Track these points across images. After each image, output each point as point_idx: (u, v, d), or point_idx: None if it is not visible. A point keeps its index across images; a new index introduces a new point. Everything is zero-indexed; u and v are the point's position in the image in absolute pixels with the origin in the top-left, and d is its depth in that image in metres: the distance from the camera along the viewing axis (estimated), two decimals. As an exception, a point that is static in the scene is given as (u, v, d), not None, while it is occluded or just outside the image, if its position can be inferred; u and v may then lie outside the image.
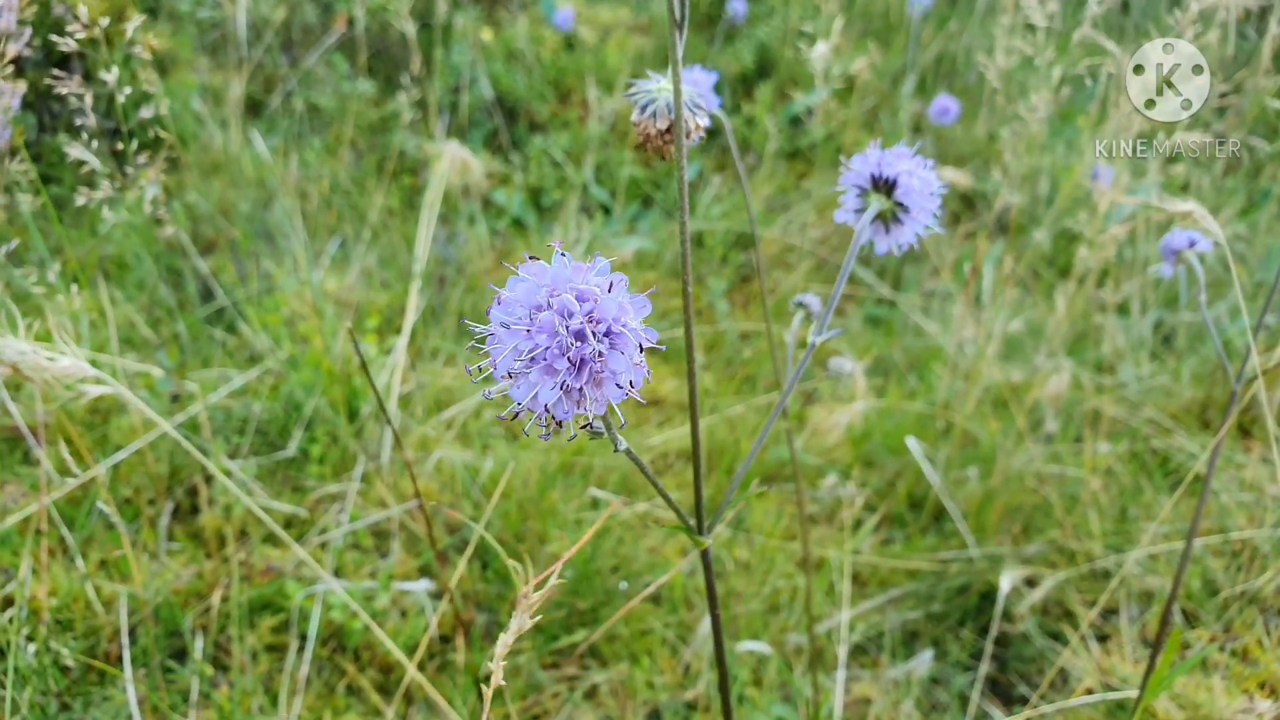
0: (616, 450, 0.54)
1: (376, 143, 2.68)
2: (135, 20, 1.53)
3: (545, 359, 0.46)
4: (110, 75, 1.56)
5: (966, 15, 2.80)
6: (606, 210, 2.53)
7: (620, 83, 2.70)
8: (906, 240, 0.67)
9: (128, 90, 1.92)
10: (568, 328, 0.45)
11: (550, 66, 2.88)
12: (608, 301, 0.46)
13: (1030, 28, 2.28)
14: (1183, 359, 2.30)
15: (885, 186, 0.65)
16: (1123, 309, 2.41)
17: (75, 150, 1.82)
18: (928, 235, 0.67)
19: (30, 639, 1.26)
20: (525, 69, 2.87)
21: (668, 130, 0.60)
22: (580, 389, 0.46)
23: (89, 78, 1.91)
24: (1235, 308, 2.45)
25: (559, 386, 0.46)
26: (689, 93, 0.61)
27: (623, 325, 0.46)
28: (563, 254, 0.47)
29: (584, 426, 0.50)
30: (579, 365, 0.46)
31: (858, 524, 1.67)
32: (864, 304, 2.27)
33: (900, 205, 0.65)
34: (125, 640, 1.20)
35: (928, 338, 2.03)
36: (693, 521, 0.69)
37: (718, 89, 2.91)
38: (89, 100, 1.49)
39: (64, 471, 1.49)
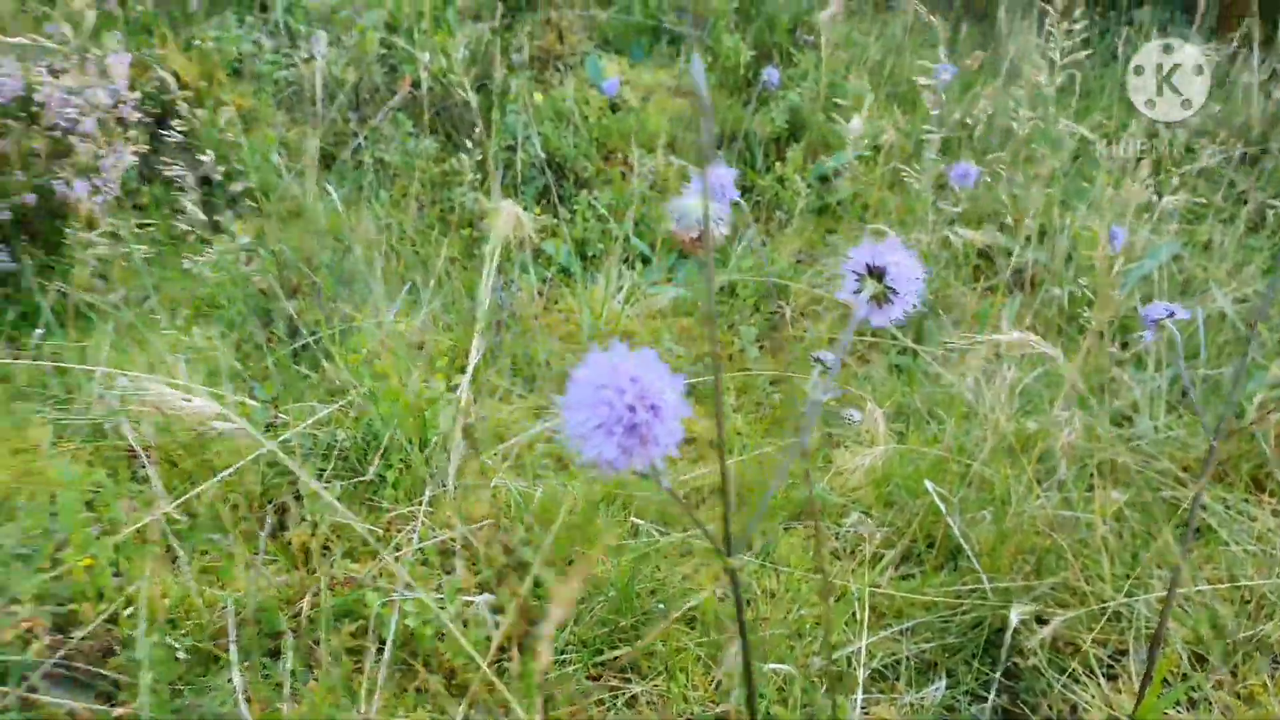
0: (662, 489, 0.71)
1: (438, 196, 2.93)
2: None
3: (606, 425, 0.63)
4: (199, 136, 1.81)
5: (989, 83, 2.98)
6: (646, 260, 2.72)
7: (659, 145, 2.91)
8: (896, 316, 0.83)
9: (220, 165, 2.18)
10: (623, 403, 0.63)
11: (596, 127, 3.11)
12: (652, 382, 0.64)
13: (1054, 95, 2.45)
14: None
15: (877, 274, 0.82)
16: (1140, 363, 2.52)
17: (187, 201, 2.07)
18: (914, 312, 0.83)
19: (147, 635, 1.45)
20: (573, 129, 3.11)
21: (698, 236, 0.78)
22: (632, 448, 0.64)
23: (186, 136, 2.18)
24: (1254, 365, 2.54)
25: (617, 446, 0.64)
26: (713, 208, 0.77)
27: (664, 399, 0.64)
28: (617, 344, 0.66)
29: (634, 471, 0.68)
30: (631, 430, 0.63)
31: (877, 558, 1.79)
32: (888, 353, 2.41)
33: (890, 289, 0.82)
34: (233, 635, 1.38)
35: (947, 386, 2.17)
36: (723, 547, 0.85)
37: (752, 149, 3.11)
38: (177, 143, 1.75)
39: (171, 489, 1.70)
